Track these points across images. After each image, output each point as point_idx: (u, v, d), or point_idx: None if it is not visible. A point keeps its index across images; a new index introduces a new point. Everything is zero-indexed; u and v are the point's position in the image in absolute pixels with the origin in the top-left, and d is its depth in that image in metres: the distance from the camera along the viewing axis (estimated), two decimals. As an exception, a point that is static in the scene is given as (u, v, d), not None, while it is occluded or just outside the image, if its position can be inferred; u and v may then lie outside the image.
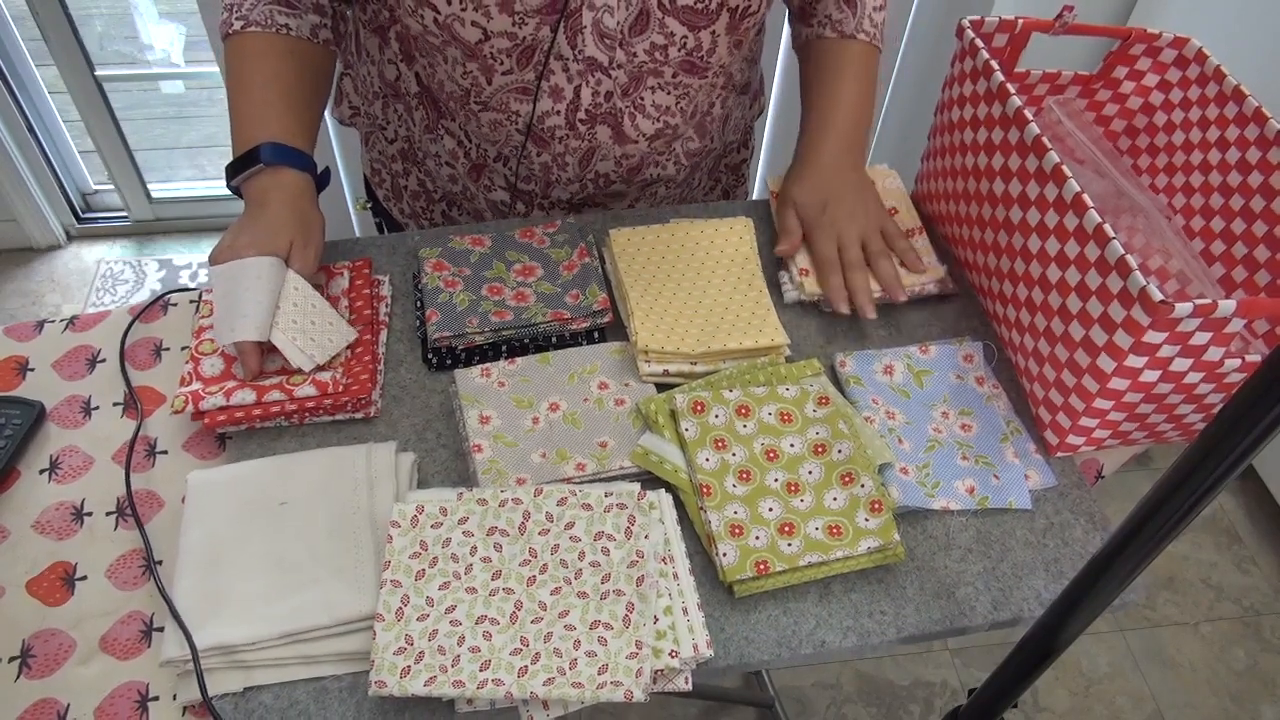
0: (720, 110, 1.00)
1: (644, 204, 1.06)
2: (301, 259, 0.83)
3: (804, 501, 0.75)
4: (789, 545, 0.72)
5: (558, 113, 0.88)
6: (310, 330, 0.80)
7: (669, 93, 0.88)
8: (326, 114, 0.96)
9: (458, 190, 1.04)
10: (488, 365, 0.83)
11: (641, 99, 0.87)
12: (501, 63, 0.84)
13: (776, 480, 0.76)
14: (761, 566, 0.71)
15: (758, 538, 0.72)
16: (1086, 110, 0.97)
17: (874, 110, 1.01)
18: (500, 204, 1.03)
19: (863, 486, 0.75)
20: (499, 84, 0.86)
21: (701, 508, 0.74)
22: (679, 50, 0.83)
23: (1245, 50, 1.57)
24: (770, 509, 0.74)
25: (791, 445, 0.78)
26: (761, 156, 2.11)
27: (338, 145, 1.96)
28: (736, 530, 0.73)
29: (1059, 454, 0.83)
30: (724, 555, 0.71)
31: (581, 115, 0.88)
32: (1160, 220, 0.88)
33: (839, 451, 0.77)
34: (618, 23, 0.80)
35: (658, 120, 0.90)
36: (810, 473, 0.76)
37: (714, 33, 0.83)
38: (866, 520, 0.73)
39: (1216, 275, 0.87)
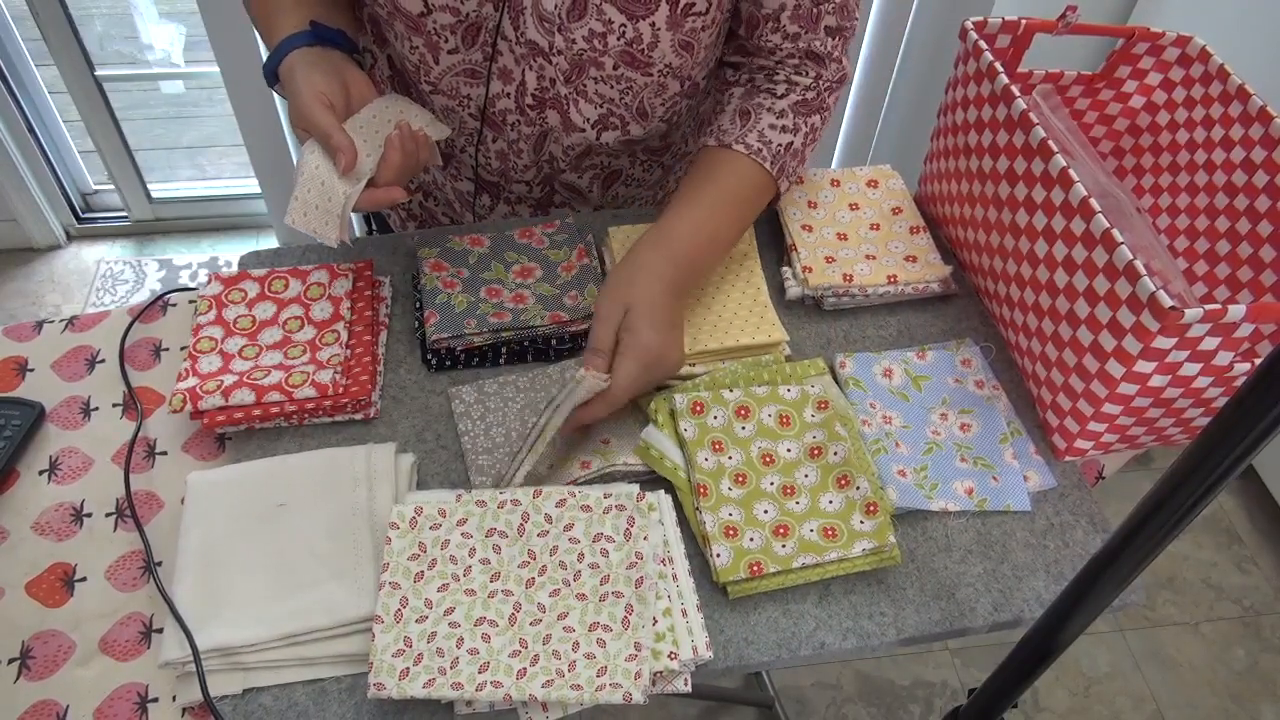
0: (687, 116, 0.99)
1: (609, 209, 1.05)
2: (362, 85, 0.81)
3: (799, 504, 0.75)
4: (783, 547, 0.72)
5: (508, 95, 0.88)
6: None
7: (611, 86, 0.87)
8: None
9: (429, 179, 1.06)
10: (483, 382, 0.83)
11: (584, 86, 0.87)
12: (446, 39, 0.84)
13: (772, 484, 0.76)
14: (755, 568, 0.70)
15: (752, 539, 0.72)
16: (1063, 105, 0.97)
17: (734, 234, 0.85)
18: (466, 194, 1.04)
19: (858, 489, 0.74)
20: (446, 64, 0.86)
21: (697, 508, 0.74)
22: (618, 39, 0.82)
23: (1248, 49, 1.57)
24: (765, 511, 0.74)
25: (788, 450, 0.77)
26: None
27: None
28: (731, 532, 0.72)
29: (1067, 458, 0.83)
30: (718, 556, 0.71)
31: (529, 100, 0.88)
32: (1133, 212, 0.88)
33: (835, 454, 0.76)
34: (555, 6, 0.80)
35: (600, 106, 0.90)
36: (806, 476, 0.76)
37: (654, 25, 0.82)
38: (862, 522, 0.73)
39: (1222, 275, 0.87)
